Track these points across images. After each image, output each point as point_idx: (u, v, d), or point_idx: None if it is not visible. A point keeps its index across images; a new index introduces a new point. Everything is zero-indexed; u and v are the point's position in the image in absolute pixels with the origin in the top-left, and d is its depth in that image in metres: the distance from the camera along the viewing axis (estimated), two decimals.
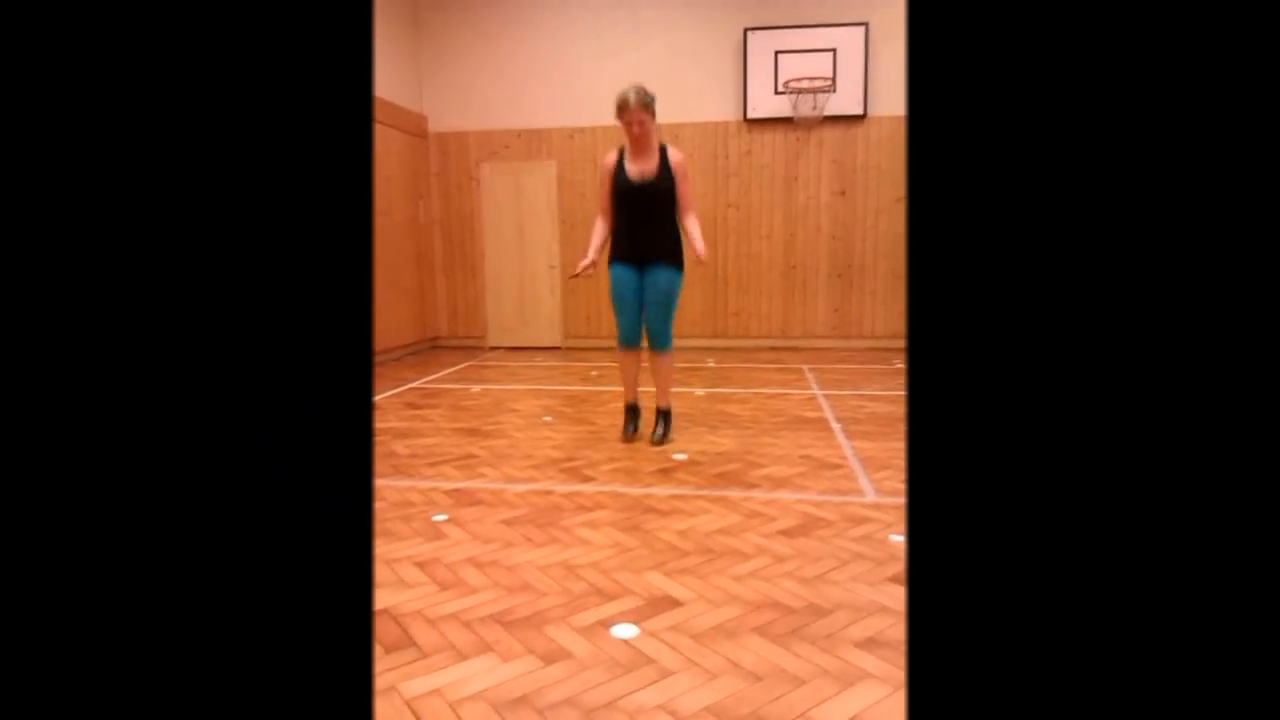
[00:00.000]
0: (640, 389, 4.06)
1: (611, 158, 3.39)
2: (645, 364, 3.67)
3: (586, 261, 3.40)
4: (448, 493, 2.84)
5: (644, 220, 3.32)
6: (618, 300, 3.41)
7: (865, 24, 6.30)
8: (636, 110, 3.19)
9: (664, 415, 3.57)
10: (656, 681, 1.56)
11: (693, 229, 3.39)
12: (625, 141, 3.36)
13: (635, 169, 3.31)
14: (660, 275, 3.33)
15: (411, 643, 1.73)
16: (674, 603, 1.92)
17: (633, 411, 3.60)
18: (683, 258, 3.40)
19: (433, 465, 3.21)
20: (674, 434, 3.65)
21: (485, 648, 1.71)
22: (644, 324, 3.41)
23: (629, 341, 3.45)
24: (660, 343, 3.41)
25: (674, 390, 4.66)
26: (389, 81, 6.43)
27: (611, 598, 1.95)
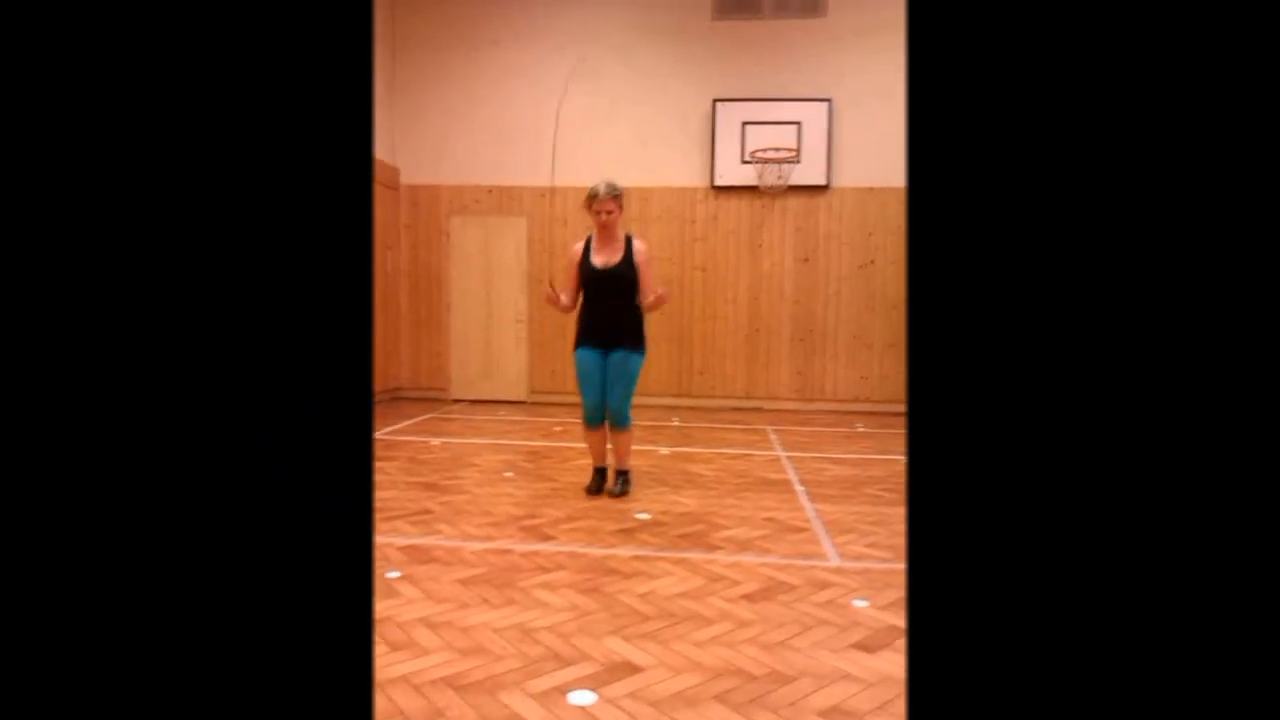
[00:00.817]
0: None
1: (579, 246, 3.58)
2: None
3: (554, 293, 3.51)
4: (401, 549, 2.75)
5: (608, 307, 3.47)
6: (583, 378, 3.53)
7: (829, 100, 6.57)
8: (605, 200, 3.42)
9: (623, 474, 3.68)
10: None
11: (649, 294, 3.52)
12: (593, 228, 3.52)
13: (600, 258, 3.49)
14: (622, 356, 3.47)
15: None
16: (633, 669, 1.86)
17: (600, 473, 3.70)
18: (644, 342, 3.56)
19: (387, 520, 3.12)
20: (637, 492, 3.62)
21: (436, 713, 1.63)
22: (606, 403, 3.51)
23: (594, 420, 3.55)
24: (620, 421, 3.52)
25: (637, 448, 4.64)
26: None
27: (569, 663, 1.88)
